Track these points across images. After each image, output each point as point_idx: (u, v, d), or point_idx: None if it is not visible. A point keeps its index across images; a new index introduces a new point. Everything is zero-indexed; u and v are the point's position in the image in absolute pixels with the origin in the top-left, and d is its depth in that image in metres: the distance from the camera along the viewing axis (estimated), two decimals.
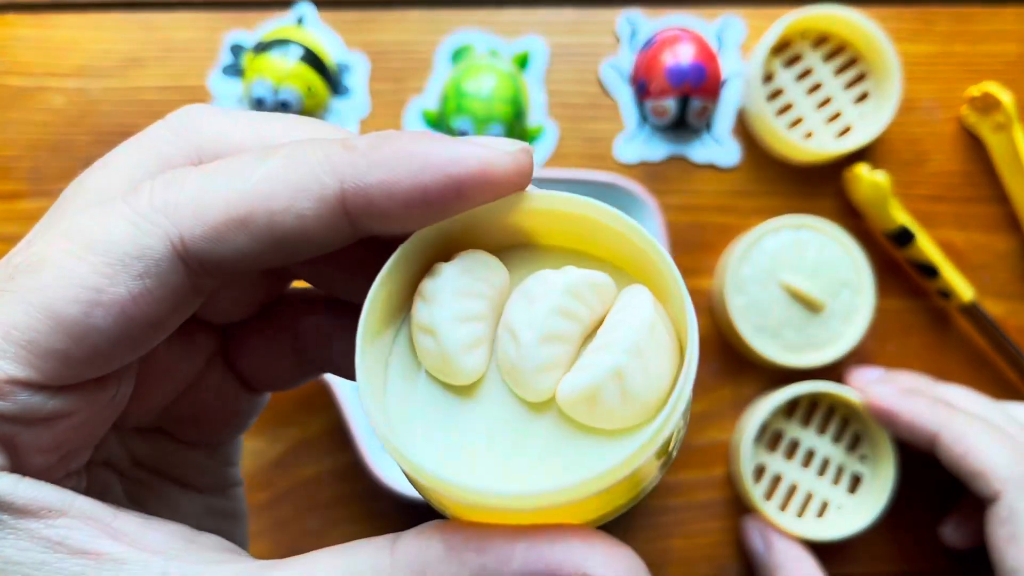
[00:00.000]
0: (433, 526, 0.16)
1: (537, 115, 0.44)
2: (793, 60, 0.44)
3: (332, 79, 0.43)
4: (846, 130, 0.43)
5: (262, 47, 0.42)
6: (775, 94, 0.43)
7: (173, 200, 0.16)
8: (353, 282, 0.20)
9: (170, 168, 0.18)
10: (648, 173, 0.44)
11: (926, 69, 0.45)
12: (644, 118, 0.44)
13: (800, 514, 0.42)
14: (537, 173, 0.41)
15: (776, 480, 0.42)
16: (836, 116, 0.44)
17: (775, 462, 0.42)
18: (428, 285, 0.17)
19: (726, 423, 0.43)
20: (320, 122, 0.19)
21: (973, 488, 0.35)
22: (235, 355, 0.22)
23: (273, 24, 0.43)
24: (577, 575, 0.15)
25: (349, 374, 0.21)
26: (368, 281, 0.17)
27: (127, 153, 0.18)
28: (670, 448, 0.16)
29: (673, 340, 0.17)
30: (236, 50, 0.43)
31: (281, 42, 0.42)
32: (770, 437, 0.42)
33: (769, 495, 0.42)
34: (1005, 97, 0.42)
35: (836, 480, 0.42)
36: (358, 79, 0.43)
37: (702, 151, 0.44)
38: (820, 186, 0.44)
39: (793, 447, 0.42)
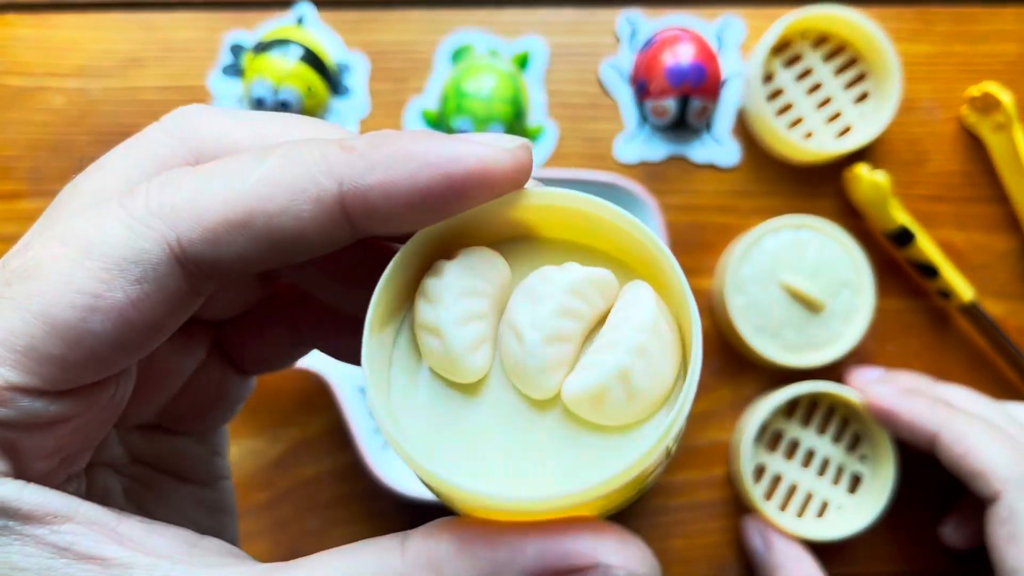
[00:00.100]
0: (442, 524, 0.16)
1: (537, 115, 0.44)
2: (793, 60, 0.44)
3: (332, 79, 0.43)
4: (846, 130, 0.43)
5: (262, 47, 0.42)
6: (775, 94, 0.43)
7: (169, 202, 0.16)
8: (344, 290, 0.21)
9: (166, 169, 0.17)
10: (648, 173, 0.44)
11: (926, 69, 0.45)
12: (644, 118, 0.44)
13: (800, 514, 0.42)
14: (537, 173, 0.41)
15: (776, 480, 0.42)
16: (836, 116, 0.44)
17: (775, 462, 0.42)
18: (432, 284, 0.17)
19: (726, 423, 0.43)
20: (319, 121, 0.19)
21: (973, 488, 0.35)
22: (230, 344, 0.22)
23: (273, 24, 0.43)
24: (590, 564, 0.15)
25: (340, 353, 0.22)
26: (358, 289, 0.17)
27: (123, 155, 0.18)
28: (673, 443, 0.17)
29: (675, 335, 0.17)
30: (236, 50, 0.43)
31: (281, 42, 0.42)
32: (770, 437, 0.42)
33: (769, 495, 0.42)
34: (1005, 97, 0.42)
35: (836, 480, 0.42)
36: (358, 79, 0.43)
37: (702, 151, 0.44)
38: (820, 186, 0.44)
39: (793, 447, 0.42)
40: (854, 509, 0.41)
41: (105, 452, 0.21)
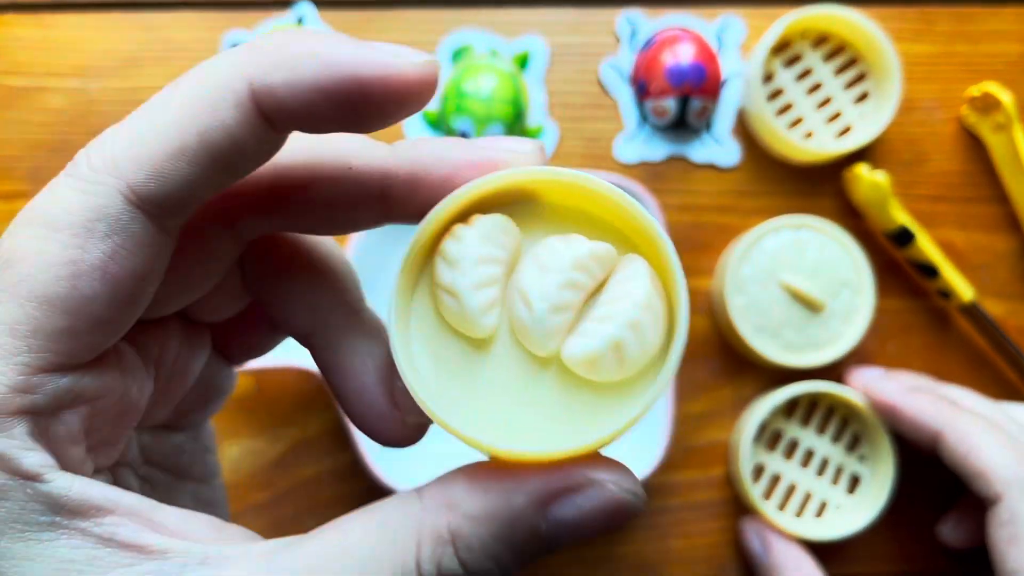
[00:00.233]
0: (454, 472, 0.18)
1: (537, 115, 0.44)
2: (793, 60, 0.44)
3: None
4: (846, 130, 0.43)
5: None
6: (775, 94, 0.43)
7: (109, 156, 0.17)
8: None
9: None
10: (648, 173, 0.44)
11: (926, 69, 0.45)
12: (644, 118, 0.44)
13: (799, 514, 0.42)
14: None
15: (775, 480, 0.42)
16: (836, 116, 0.44)
17: (774, 462, 0.42)
18: (451, 248, 0.19)
19: (726, 423, 0.43)
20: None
21: (974, 488, 0.35)
22: (220, 337, 0.24)
23: (273, 24, 0.43)
24: (584, 480, 0.18)
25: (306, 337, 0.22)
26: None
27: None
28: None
29: (664, 306, 0.19)
30: None
31: None
32: (769, 437, 0.42)
33: (768, 495, 0.42)
34: (1005, 97, 0.42)
35: (835, 480, 0.42)
36: None
37: (702, 151, 0.44)
38: (820, 186, 0.44)
39: (792, 447, 0.42)
40: (853, 509, 0.41)
41: (128, 452, 0.22)
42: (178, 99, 0.17)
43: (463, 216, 0.19)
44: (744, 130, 0.44)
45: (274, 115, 0.17)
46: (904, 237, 0.42)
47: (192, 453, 0.24)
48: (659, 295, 0.18)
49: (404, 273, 0.19)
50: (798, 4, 0.43)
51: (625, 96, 0.44)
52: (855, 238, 0.41)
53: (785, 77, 0.43)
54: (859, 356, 0.43)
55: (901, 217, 0.42)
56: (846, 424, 0.42)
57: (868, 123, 0.43)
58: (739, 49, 0.44)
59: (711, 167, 0.44)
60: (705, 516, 0.43)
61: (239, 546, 0.17)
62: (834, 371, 0.42)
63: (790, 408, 0.42)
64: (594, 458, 0.18)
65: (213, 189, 0.17)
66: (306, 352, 0.22)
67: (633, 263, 0.19)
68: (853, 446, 0.42)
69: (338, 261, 0.22)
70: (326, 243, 0.22)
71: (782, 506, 0.42)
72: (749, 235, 0.41)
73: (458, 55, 0.43)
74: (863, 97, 0.44)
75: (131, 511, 0.17)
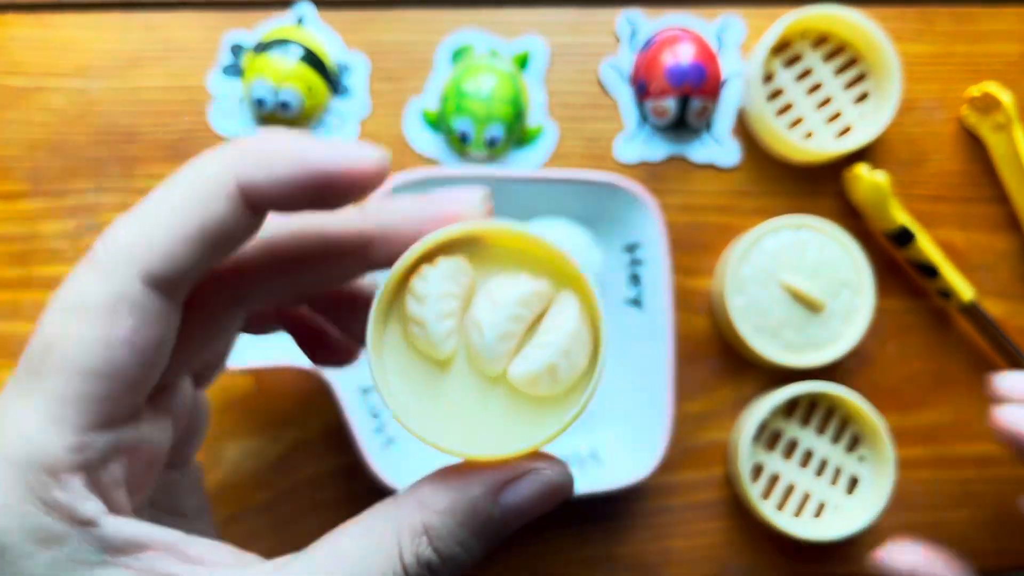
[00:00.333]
0: (422, 478, 0.23)
1: (537, 115, 0.44)
2: (793, 60, 0.44)
3: (332, 79, 0.43)
4: (846, 130, 0.43)
5: (262, 47, 0.42)
6: (775, 94, 0.43)
7: (124, 245, 0.21)
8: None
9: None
10: (648, 173, 0.44)
11: (926, 69, 0.45)
12: (644, 118, 0.44)
13: (797, 514, 0.42)
14: (537, 174, 0.41)
15: (774, 480, 0.42)
16: (836, 116, 0.44)
17: (773, 462, 0.42)
18: (419, 286, 0.23)
19: (726, 423, 0.43)
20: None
21: None
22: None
23: (273, 24, 0.43)
24: (525, 471, 0.23)
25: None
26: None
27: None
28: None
29: (590, 334, 0.23)
30: (236, 50, 0.43)
31: (281, 42, 0.42)
32: (769, 437, 0.42)
33: (767, 495, 0.42)
34: (1005, 97, 0.42)
35: (834, 481, 0.42)
36: (358, 79, 0.43)
37: (702, 151, 0.44)
38: (820, 186, 0.44)
39: (792, 447, 0.42)
40: (851, 510, 0.41)
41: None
42: (178, 194, 0.21)
43: (428, 257, 0.23)
44: (744, 130, 0.44)
45: (257, 204, 0.21)
46: (904, 237, 0.42)
47: (186, 491, 0.28)
48: (586, 325, 0.23)
49: (378, 307, 0.23)
50: (798, 4, 0.43)
51: (625, 96, 0.44)
52: (855, 238, 0.42)
53: (785, 77, 0.43)
54: (859, 356, 0.43)
55: (901, 217, 0.42)
56: (845, 425, 0.42)
57: (868, 123, 0.43)
58: (739, 49, 0.44)
59: (711, 167, 0.44)
60: (705, 516, 0.43)
61: (254, 568, 0.21)
62: (835, 371, 0.43)
63: (790, 408, 0.42)
64: (535, 455, 0.23)
65: (210, 265, 0.22)
66: None
67: (566, 299, 0.23)
68: (852, 447, 0.42)
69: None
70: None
71: (781, 506, 0.42)
72: (749, 235, 0.41)
73: (458, 55, 0.43)
74: (863, 97, 0.44)
75: (166, 545, 0.20)
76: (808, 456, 0.42)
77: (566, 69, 0.44)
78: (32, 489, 0.19)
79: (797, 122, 0.43)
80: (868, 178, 0.41)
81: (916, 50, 0.44)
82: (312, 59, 0.42)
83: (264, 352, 0.38)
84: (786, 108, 0.43)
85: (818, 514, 0.42)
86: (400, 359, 0.24)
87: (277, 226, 0.24)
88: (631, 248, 0.41)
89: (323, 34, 0.43)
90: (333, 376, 0.40)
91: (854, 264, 0.41)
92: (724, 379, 0.43)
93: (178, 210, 0.20)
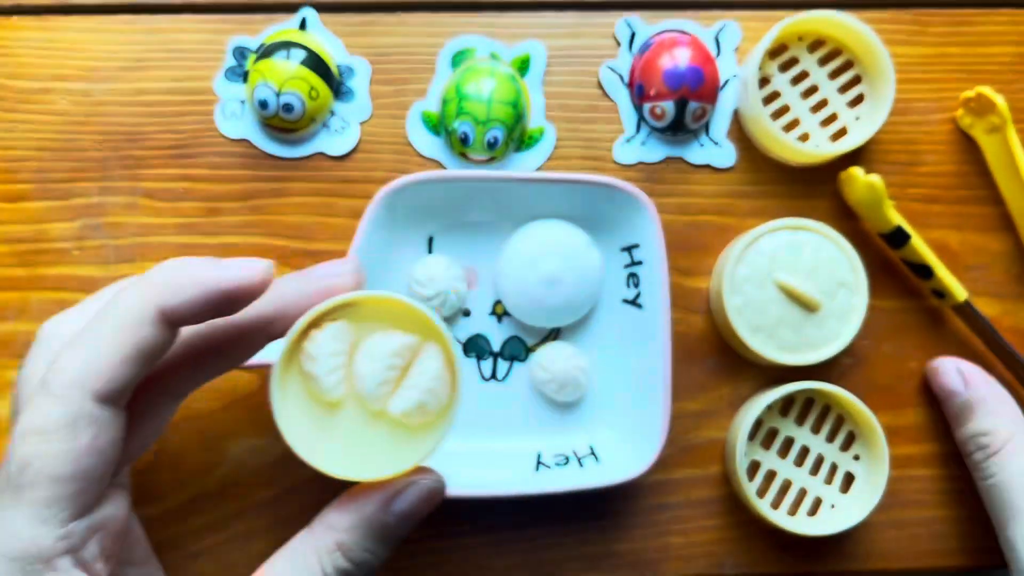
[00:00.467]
0: (330, 504, 0.30)
1: (537, 118, 0.44)
2: (789, 63, 0.44)
3: (335, 82, 0.43)
4: (841, 132, 0.44)
5: (265, 50, 0.42)
6: (771, 97, 0.44)
7: (72, 374, 0.26)
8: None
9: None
10: (646, 174, 0.44)
11: (921, 71, 0.45)
12: (642, 120, 0.44)
13: (793, 512, 0.42)
14: (537, 175, 0.41)
15: (770, 477, 0.43)
16: (832, 119, 0.44)
17: (770, 459, 0.43)
18: (310, 348, 0.29)
19: (723, 421, 0.43)
20: (116, 286, 0.31)
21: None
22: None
23: (276, 27, 0.44)
24: (407, 483, 0.30)
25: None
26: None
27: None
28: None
29: (450, 375, 0.30)
30: (240, 53, 0.44)
31: (284, 45, 0.42)
32: (765, 435, 0.43)
33: (763, 492, 0.42)
34: (999, 99, 0.43)
35: (829, 479, 0.43)
36: (360, 82, 0.44)
37: (699, 153, 0.44)
38: (816, 187, 0.44)
39: (788, 445, 0.43)
40: (846, 508, 0.42)
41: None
42: (110, 324, 0.26)
43: (316, 323, 0.29)
44: (740, 132, 0.44)
45: (174, 323, 0.27)
46: (899, 238, 0.42)
47: (134, 540, 0.34)
48: (446, 368, 0.30)
49: (281, 363, 0.29)
50: (795, 9, 0.43)
51: (624, 99, 0.44)
52: (851, 239, 0.42)
53: (781, 80, 0.44)
54: (854, 356, 0.44)
55: (896, 218, 0.42)
56: (841, 423, 0.43)
57: (863, 125, 0.43)
58: (736, 53, 0.45)
59: (708, 169, 0.44)
60: (703, 513, 0.43)
61: None
62: (831, 370, 0.43)
63: (786, 407, 0.43)
64: (417, 470, 0.30)
65: (144, 375, 0.27)
66: None
67: (430, 348, 0.30)
68: (847, 445, 0.43)
69: None
70: None
71: (777, 503, 0.42)
72: (746, 236, 0.42)
73: (459, 58, 0.44)
74: (858, 100, 0.44)
75: None
76: (804, 454, 0.43)
77: (565, 72, 0.44)
78: (28, 574, 0.25)
79: (793, 124, 0.44)
80: (863, 180, 0.42)
81: (911, 53, 0.45)
82: (315, 62, 0.42)
83: (266, 351, 0.39)
84: (782, 111, 0.44)
85: (813, 511, 0.42)
86: (300, 404, 0.29)
87: (196, 328, 0.29)
88: (629, 249, 0.42)
89: (325, 38, 0.44)
90: None
91: (851, 265, 0.42)
92: (721, 378, 0.44)
93: (113, 337, 0.26)
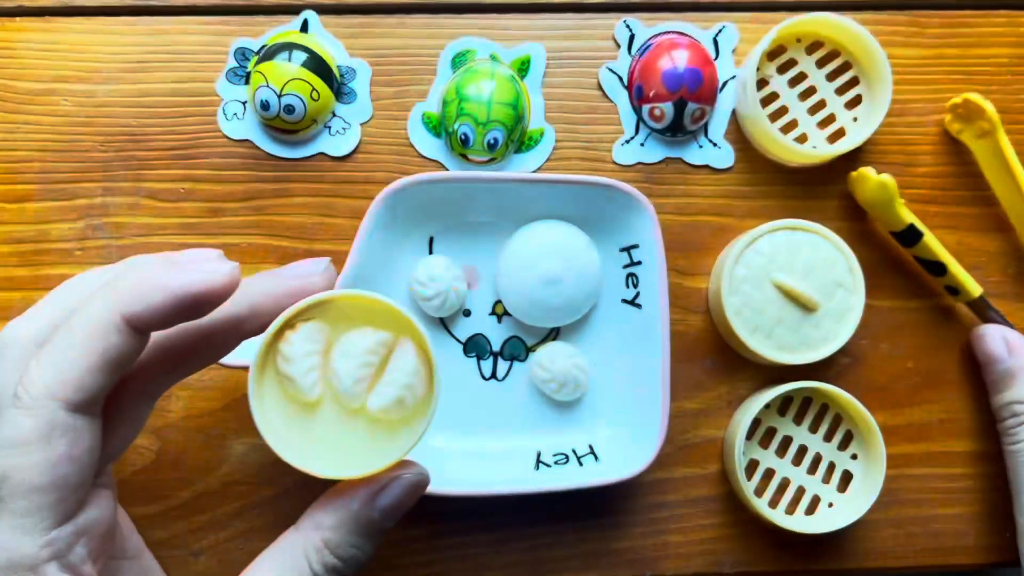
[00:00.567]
0: (315, 502, 0.30)
1: (537, 119, 0.44)
2: (787, 65, 0.45)
3: (336, 84, 0.44)
4: (839, 133, 0.44)
5: (267, 52, 0.43)
6: (769, 98, 0.44)
7: (42, 386, 0.26)
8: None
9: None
10: (645, 175, 0.44)
11: (918, 73, 0.45)
12: (641, 121, 0.44)
13: (790, 510, 0.43)
14: (536, 176, 0.41)
15: (768, 476, 0.43)
16: (829, 120, 0.44)
17: (768, 458, 0.43)
18: (285, 349, 0.29)
19: (722, 420, 0.44)
20: (88, 274, 0.31)
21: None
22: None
23: (278, 29, 0.44)
24: (390, 479, 0.30)
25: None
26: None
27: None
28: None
29: (426, 369, 0.30)
30: (241, 55, 0.44)
31: (286, 47, 0.42)
32: (764, 434, 0.43)
33: (761, 491, 0.43)
34: (988, 104, 0.43)
35: (827, 478, 0.43)
36: (361, 84, 0.44)
37: (698, 154, 0.45)
38: (814, 188, 0.45)
39: (786, 444, 0.43)
40: (844, 506, 0.42)
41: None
42: (78, 334, 0.26)
43: (290, 324, 0.29)
44: (739, 133, 0.45)
45: (141, 329, 0.27)
46: (912, 235, 0.42)
47: (125, 534, 0.35)
48: (422, 362, 0.30)
49: (257, 364, 0.29)
50: (793, 11, 0.44)
51: (623, 100, 0.45)
52: (851, 238, 0.42)
53: (779, 82, 0.44)
54: (852, 355, 0.44)
55: (908, 216, 0.42)
56: (838, 422, 0.43)
57: (860, 126, 0.44)
58: (734, 54, 0.45)
59: (707, 169, 0.45)
60: (702, 512, 0.43)
61: None
62: (829, 369, 0.43)
63: (784, 406, 0.43)
64: (399, 464, 0.30)
65: (115, 381, 0.27)
66: None
67: (405, 344, 0.30)
68: (845, 444, 0.43)
69: None
70: None
71: (775, 502, 0.43)
72: (744, 237, 0.42)
73: (459, 60, 0.44)
74: (856, 101, 0.44)
75: None
76: (802, 453, 0.43)
77: (565, 73, 0.45)
78: None
79: (791, 126, 0.44)
80: (875, 179, 0.42)
81: (908, 54, 0.45)
82: (316, 64, 0.42)
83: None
84: (780, 112, 0.44)
85: (811, 510, 0.43)
86: (278, 406, 0.29)
87: (167, 331, 0.29)
88: (628, 249, 0.42)
89: (326, 40, 0.44)
90: None
91: (848, 265, 0.42)
92: (720, 377, 0.44)
93: (81, 347, 0.26)
